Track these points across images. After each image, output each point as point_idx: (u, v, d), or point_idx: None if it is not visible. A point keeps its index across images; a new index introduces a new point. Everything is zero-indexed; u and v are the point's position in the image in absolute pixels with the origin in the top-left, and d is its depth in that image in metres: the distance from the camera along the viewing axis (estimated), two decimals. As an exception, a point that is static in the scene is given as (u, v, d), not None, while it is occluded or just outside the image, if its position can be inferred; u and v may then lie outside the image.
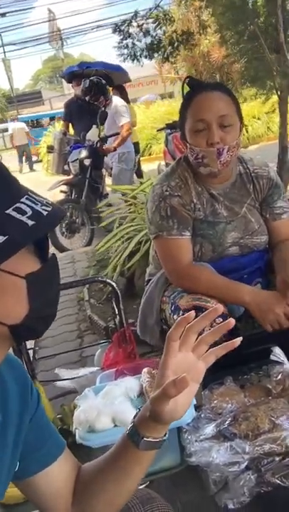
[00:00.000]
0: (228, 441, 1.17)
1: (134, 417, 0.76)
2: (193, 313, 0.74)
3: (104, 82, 4.83)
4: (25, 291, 0.60)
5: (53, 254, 0.66)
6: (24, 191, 0.61)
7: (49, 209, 0.60)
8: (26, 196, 0.60)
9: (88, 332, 2.88)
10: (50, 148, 5.80)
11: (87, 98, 4.90)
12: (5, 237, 0.56)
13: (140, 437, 0.72)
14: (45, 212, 0.59)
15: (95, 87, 4.75)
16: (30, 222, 0.58)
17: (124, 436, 0.76)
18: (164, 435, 0.74)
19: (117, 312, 1.86)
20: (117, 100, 4.96)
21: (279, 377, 1.36)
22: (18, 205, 0.59)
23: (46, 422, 0.81)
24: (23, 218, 0.58)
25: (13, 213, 0.58)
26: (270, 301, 1.49)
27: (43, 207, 0.60)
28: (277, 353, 1.36)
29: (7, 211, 0.57)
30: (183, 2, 5.86)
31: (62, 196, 5.35)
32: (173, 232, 1.58)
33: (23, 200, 0.59)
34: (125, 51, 5.60)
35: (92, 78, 4.82)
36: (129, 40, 5.52)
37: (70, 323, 3.04)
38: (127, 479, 0.77)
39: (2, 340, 0.62)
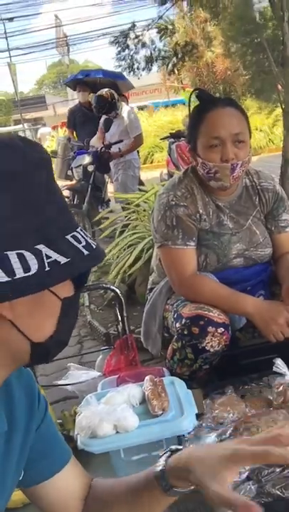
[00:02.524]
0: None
1: (165, 458, 0.72)
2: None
3: (116, 97, 4.81)
4: (58, 313, 0.63)
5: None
6: (76, 223, 0.65)
7: (95, 244, 0.64)
8: (80, 227, 0.64)
9: (88, 338, 2.88)
10: (53, 154, 5.84)
11: (100, 114, 4.89)
12: (67, 260, 0.59)
13: (170, 486, 0.70)
14: (94, 246, 0.63)
15: (107, 104, 4.74)
16: (85, 252, 0.61)
17: (150, 476, 0.72)
18: (191, 485, 0.70)
19: (120, 319, 1.87)
20: (128, 110, 4.96)
21: (280, 388, 1.36)
22: (74, 233, 0.62)
23: (53, 430, 0.81)
24: (80, 246, 0.61)
25: (71, 240, 0.61)
26: (273, 311, 1.51)
27: (91, 240, 0.64)
28: (280, 364, 1.37)
29: (67, 236, 0.61)
30: (188, 15, 5.92)
31: (64, 201, 5.37)
32: (178, 242, 1.60)
33: (78, 230, 0.63)
34: (123, 63, 5.64)
35: (101, 94, 4.80)
36: (126, 52, 5.55)
37: (70, 329, 3.04)
38: None
39: (18, 356, 0.63)
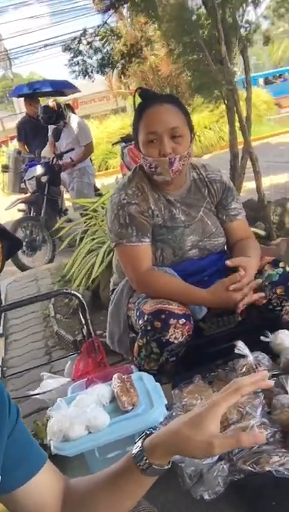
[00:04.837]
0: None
1: (141, 440, 0.75)
2: (266, 373, 0.75)
3: (62, 106, 4.82)
4: None
5: None
6: None
7: None
8: None
9: (56, 348, 2.86)
10: (4, 168, 5.76)
11: (47, 124, 4.89)
12: None
13: (148, 463, 0.72)
14: None
15: (55, 114, 4.73)
16: None
17: (128, 458, 0.75)
18: (168, 463, 0.74)
19: (84, 322, 1.87)
20: (77, 119, 4.97)
21: (244, 369, 1.41)
22: None
23: (27, 436, 0.81)
24: None
25: None
26: (221, 285, 1.55)
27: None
28: (241, 346, 1.41)
29: None
30: (129, 19, 6.01)
31: (20, 215, 5.31)
32: (132, 239, 1.62)
33: None
34: (76, 68, 5.68)
35: (47, 104, 4.80)
36: (79, 58, 5.60)
37: (37, 341, 3.00)
38: (125, 500, 0.76)
39: None
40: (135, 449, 0.74)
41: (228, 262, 1.60)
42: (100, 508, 0.77)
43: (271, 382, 0.74)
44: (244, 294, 1.54)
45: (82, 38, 5.58)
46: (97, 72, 5.85)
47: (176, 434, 0.71)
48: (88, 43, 5.62)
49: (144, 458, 0.72)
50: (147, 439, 0.74)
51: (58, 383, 1.84)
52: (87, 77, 5.79)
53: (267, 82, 18.03)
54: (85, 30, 5.67)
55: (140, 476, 0.73)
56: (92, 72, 5.74)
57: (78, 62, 5.64)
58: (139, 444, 0.74)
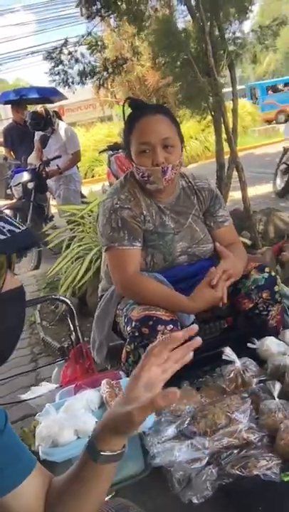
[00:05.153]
0: (188, 439, 1.22)
1: (92, 431, 0.77)
2: (180, 333, 0.77)
3: (51, 113, 4.82)
4: None
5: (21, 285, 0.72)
6: None
7: (22, 228, 0.67)
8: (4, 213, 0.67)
9: (42, 355, 2.84)
10: (-10, 174, 5.74)
11: (35, 131, 4.88)
12: None
13: (98, 452, 0.74)
14: (17, 230, 0.66)
15: (43, 121, 4.72)
16: (1, 237, 0.64)
17: (83, 451, 0.77)
18: (123, 447, 0.76)
19: (72, 329, 1.87)
20: (64, 126, 4.97)
21: (231, 375, 1.43)
22: None
23: (15, 441, 0.81)
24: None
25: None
26: (200, 288, 1.57)
27: (17, 226, 0.67)
28: (228, 352, 1.43)
29: None
30: (116, 30, 6.07)
31: (6, 221, 5.27)
32: (124, 243, 1.64)
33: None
34: (57, 77, 5.69)
35: (36, 110, 4.80)
36: (60, 68, 5.61)
37: (22, 348, 2.98)
38: (89, 493, 0.77)
39: None
40: (87, 441, 0.77)
41: (217, 244, 1.68)
42: (68, 504, 0.78)
43: (176, 334, 0.77)
44: (222, 288, 1.56)
45: (64, 48, 5.60)
46: (78, 83, 5.88)
47: (111, 415, 0.75)
48: (69, 53, 5.65)
49: (94, 447, 0.74)
50: (94, 427, 0.77)
51: (44, 389, 1.83)
52: (67, 87, 5.82)
53: (275, 90, 18.53)
54: (66, 40, 5.69)
55: (97, 467, 0.75)
56: (72, 83, 5.76)
57: (59, 72, 5.66)
58: (90, 434, 0.77)
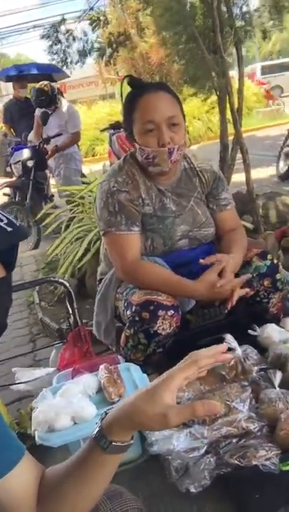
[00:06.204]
0: (187, 427, 1.20)
1: (101, 420, 0.75)
2: (225, 346, 0.75)
3: (56, 90, 4.73)
4: None
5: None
6: None
7: (18, 223, 0.66)
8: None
9: (40, 335, 2.83)
10: (-11, 151, 5.64)
11: (39, 107, 4.79)
12: None
13: (108, 441, 0.71)
14: (18, 223, 0.65)
15: (48, 98, 4.64)
16: (8, 229, 0.63)
17: (90, 440, 0.74)
18: (131, 439, 0.73)
19: (70, 312, 1.85)
20: (68, 105, 4.87)
21: (231, 363, 1.41)
22: None
23: (4, 430, 0.78)
24: (2, 224, 0.63)
25: None
26: (209, 280, 1.53)
27: (13, 219, 0.66)
28: (229, 339, 1.41)
29: None
30: (119, 5, 5.89)
31: (5, 199, 5.21)
32: (122, 228, 1.60)
33: None
34: (55, 56, 5.55)
35: (41, 87, 4.70)
36: (58, 46, 5.46)
37: (21, 328, 2.97)
38: (91, 483, 0.75)
39: None
40: (95, 429, 0.74)
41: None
42: (68, 496, 0.76)
43: (229, 356, 0.75)
44: (233, 288, 1.54)
45: (62, 25, 5.44)
46: (76, 62, 5.73)
47: (132, 409, 0.71)
48: (68, 31, 5.48)
49: (104, 436, 0.72)
50: (106, 417, 0.74)
51: (40, 372, 1.82)
52: (65, 66, 5.67)
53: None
54: (63, 19, 5.52)
55: (104, 456, 0.72)
56: (70, 62, 5.62)
57: (57, 52, 5.51)
58: (99, 423, 0.74)
